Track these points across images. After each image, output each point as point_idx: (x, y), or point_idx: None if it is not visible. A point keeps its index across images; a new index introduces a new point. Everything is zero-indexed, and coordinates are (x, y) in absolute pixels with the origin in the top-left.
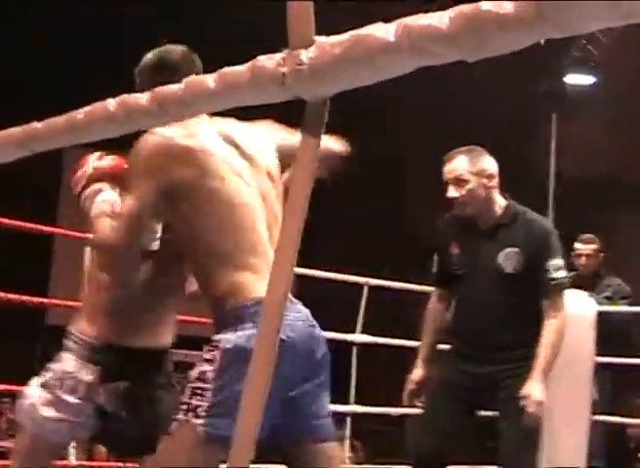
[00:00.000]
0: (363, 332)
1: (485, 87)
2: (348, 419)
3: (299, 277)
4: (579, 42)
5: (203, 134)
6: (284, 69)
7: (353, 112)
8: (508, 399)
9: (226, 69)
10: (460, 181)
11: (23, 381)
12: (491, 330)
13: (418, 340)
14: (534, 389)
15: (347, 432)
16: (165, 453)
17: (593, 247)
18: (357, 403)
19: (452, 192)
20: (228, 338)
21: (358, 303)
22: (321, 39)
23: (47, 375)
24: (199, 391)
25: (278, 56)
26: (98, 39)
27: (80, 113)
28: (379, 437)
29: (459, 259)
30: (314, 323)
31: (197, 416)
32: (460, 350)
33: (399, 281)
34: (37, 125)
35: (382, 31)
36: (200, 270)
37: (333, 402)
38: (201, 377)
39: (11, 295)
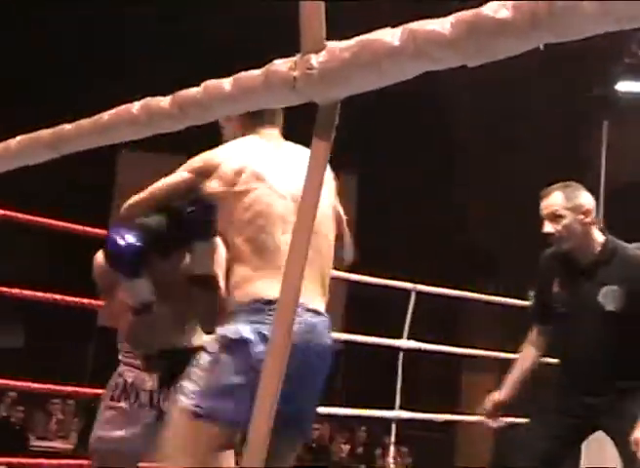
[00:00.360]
0: (409, 338)
1: (540, 93)
2: (393, 425)
3: (346, 281)
4: (630, 49)
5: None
6: (295, 73)
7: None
8: (614, 423)
9: (242, 73)
10: (555, 217)
11: (74, 382)
12: (602, 363)
13: (463, 347)
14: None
15: (392, 438)
16: (164, 432)
17: None
18: (402, 408)
19: (548, 228)
20: (226, 331)
21: (405, 309)
22: (332, 44)
23: (108, 394)
24: (194, 377)
25: (290, 60)
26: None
27: (105, 115)
28: (425, 442)
29: (560, 297)
30: (321, 336)
31: (187, 397)
32: (572, 381)
33: (446, 287)
34: (66, 126)
35: (389, 36)
36: (226, 262)
37: (380, 407)
38: (198, 365)
39: (63, 297)
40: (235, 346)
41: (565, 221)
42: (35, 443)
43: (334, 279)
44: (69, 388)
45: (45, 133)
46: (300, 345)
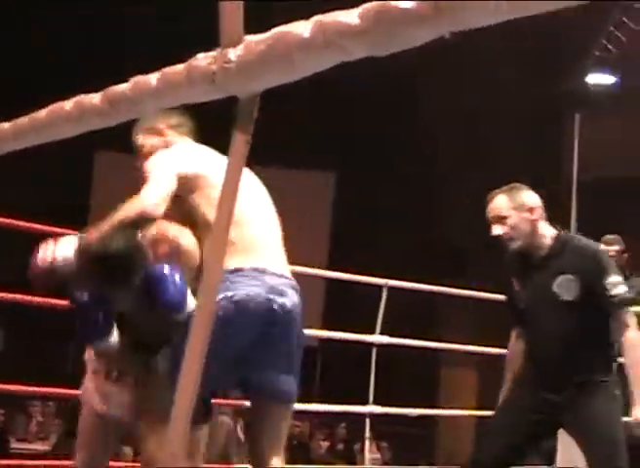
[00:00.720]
0: (382, 334)
1: (509, 87)
2: (367, 420)
3: (324, 279)
4: (600, 42)
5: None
6: (214, 67)
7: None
8: (576, 419)
9: (167, 68)
10: (501, 219)
11: (54, 383)
12: (561, 358)
13: (436, 341)
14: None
15: (367, 432)
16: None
17: (616, 248)
18: (379, 404)
19: (496, 230)
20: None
21: (378, 304)
22: (249, 37)
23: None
24: None
25: (210, 55)
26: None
27: (42, 113)
28: (405, 438)
29: (520, 295)
30: (283, 303)
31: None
32: (536, 378)
33: (418, 282)
34: (4, 125)
35: (301, 28)
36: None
37: (353, 402)
38: None
39: (43, 299)
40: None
41: (510, 221)
42: (15, 445)
43: (311, 277)
44: (49, 389)
45: None
46: (261, 306)
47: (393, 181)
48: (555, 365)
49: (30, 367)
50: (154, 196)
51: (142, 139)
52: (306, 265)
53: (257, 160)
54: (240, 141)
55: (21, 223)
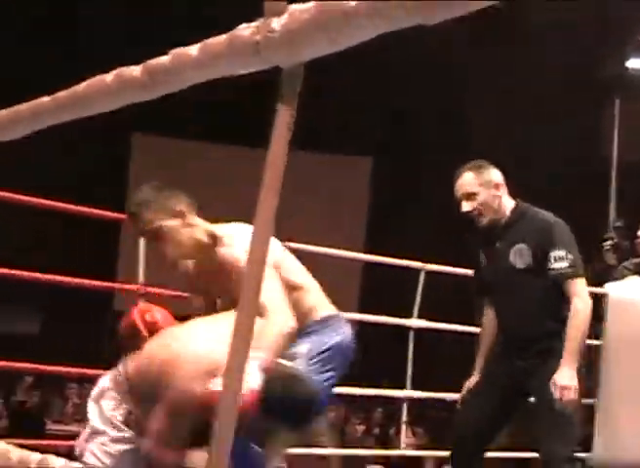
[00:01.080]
0: (420, 318)
1: (550, 71)
2: (404, 405)
3: (361, 263)
4: None
5: None
6: (258, 37)
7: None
8: (541, 386)
9: (209, 40)
10: (470, 195)
11: (90, 366)
12: (522, 326)
13: (473, 325)
14: (561, 376)
15: (404, 417)
16: None
17: None
18: (414, 388)
19: (465, 207)
20: None
21: (415, 288)
22: (293, 7)
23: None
24: None
25: (253, 25)
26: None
27: (81, 87)
28: (440, 422)
29: (485, 268)
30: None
31: None
32: (501, 346)
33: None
34: (45, 99)
35: None
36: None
37: (391, 387)
38: None
39: (79, 280)
40: None
41: (480, 198)
42: (51, 426)
43: (348, 260)
44: (86, 371)
45: (23, 107)
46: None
47: (430, 166)
48: (518, 333)
49: (67, 349)
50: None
51: (159, 222)
52: (344, 249)
53: (295, 145)
54: (285, 114)
55: (58, 204)
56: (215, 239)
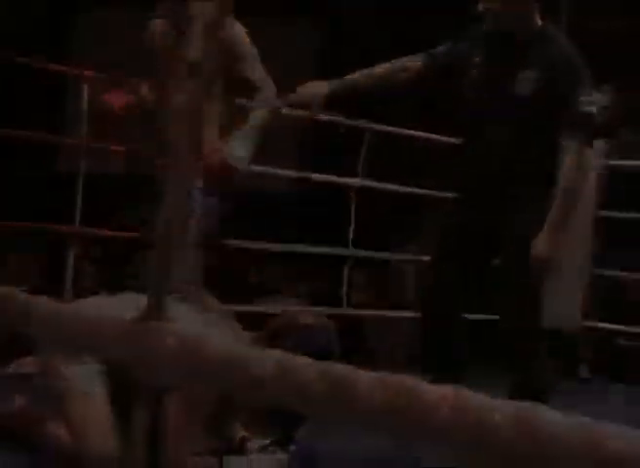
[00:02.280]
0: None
1: None
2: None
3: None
4: None
5: None
6: None
7: None
8: (511, 240)
9: None
10: None
11: None
12: (501, 161)
13: (417, 187)
14: (538, 246)
15: (345, 274)
16: None
17: None
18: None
19: (485, 3)
20: None
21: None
22: None
23: None
24: None
25: None
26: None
27: None
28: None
29: (474, 81)
30: None
31: None
32: (467, 196)
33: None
34: None
35: None
36: None
37: (332, 245)
38: None
39: None
40: None
41: None
42: None
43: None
44: None
45: None
46: None
47: None
48: (493, 171)
49: None
50: None
51: None
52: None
53: None
54: None
55: None
56: None
